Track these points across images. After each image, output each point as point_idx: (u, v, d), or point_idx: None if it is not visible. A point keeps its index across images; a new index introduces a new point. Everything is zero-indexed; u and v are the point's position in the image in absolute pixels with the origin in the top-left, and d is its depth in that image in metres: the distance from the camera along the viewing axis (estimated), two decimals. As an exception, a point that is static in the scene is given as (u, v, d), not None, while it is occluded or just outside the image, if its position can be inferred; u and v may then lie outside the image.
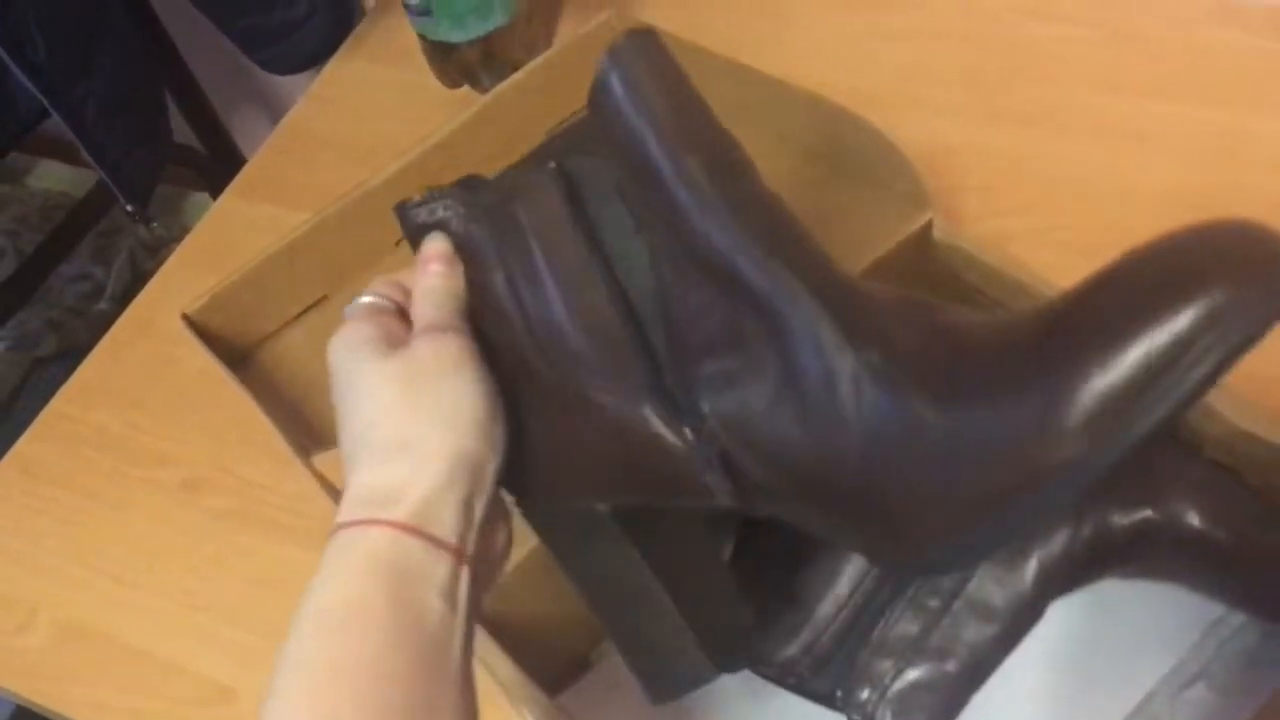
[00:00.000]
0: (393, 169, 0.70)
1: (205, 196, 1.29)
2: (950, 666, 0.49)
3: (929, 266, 0.56)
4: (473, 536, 0.38)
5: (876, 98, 0.71)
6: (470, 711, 0.36)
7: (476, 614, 0.38)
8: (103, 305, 1.46)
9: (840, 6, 0.81)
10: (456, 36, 0.79)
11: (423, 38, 0.82)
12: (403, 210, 0.45)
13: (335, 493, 0.60)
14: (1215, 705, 0.47)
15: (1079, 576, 0.50)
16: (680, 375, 0.39)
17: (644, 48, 0.39)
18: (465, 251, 0.44)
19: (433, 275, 0.43)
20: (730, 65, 0.68)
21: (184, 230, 0.85)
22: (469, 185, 0.45)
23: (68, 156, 0.97)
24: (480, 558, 0.39)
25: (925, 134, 0.71)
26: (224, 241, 0.81)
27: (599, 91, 0.39)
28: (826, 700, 0.51)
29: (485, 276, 0.43)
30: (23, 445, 0.74)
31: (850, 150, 0.57)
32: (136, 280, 1.47)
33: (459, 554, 0.37)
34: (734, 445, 0.38)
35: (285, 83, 1.11)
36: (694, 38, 0.67)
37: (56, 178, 1.72)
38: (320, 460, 0.63)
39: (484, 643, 0.50)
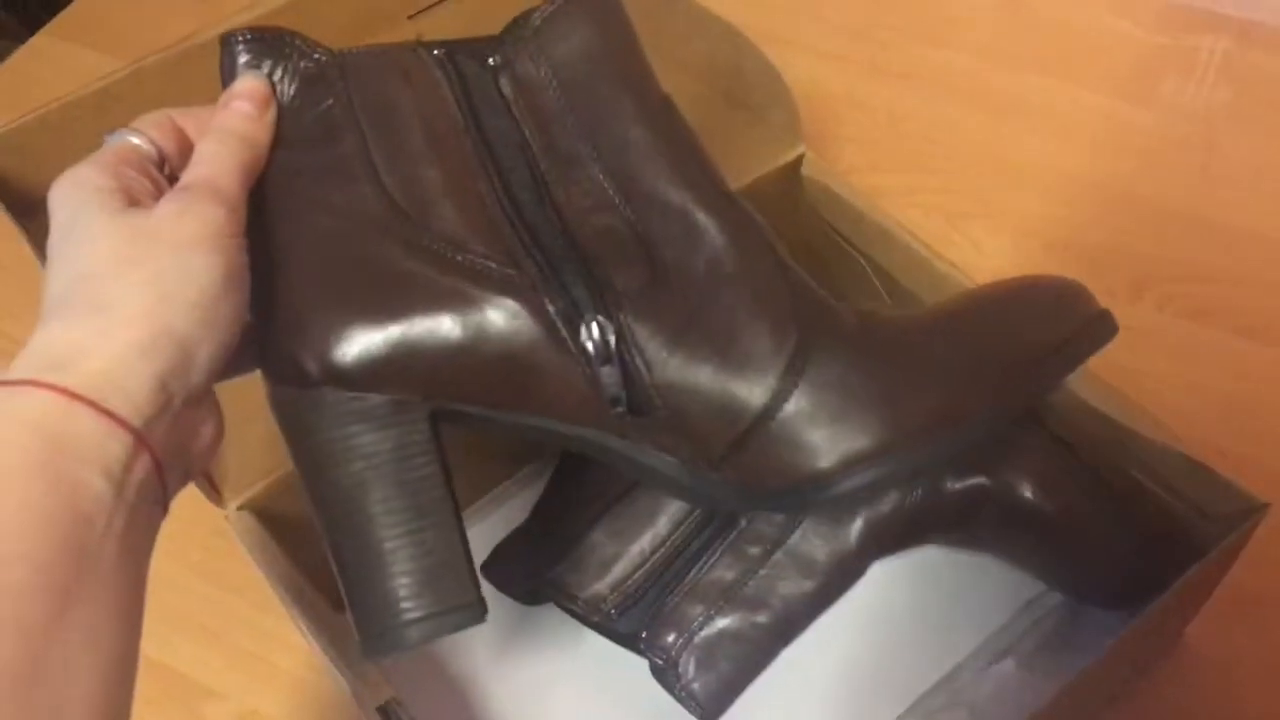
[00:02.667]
0: (234, 21, 0.64)
1: (30, 48, 1.17)
2: (762, 618, 0.47)
3: (796, 203, 0.54)
4: (163, 422, 0.33)
5: (762, 33, 0.68)
6: (125, 613, 0.31)
7: (158, 507, 0.33)
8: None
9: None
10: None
11: (286, -108, 0.75)
12: (230, 42, 0.38)
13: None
14: (1021, 682, 0.46)
15: (904, 539, 0.48)
16: (585, 280, 0.38)
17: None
18: (301, 102, 0.38)
19: (232, 114, 0.37)
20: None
21: (-3, 80, 0.77)
22: (318, 44, 0.39)
23: None
24: (175, 449, 0.34)
25: (806, 77, 0.69)
26: (32, 84, 0.73)
27: (560, 15, 0.40)
28: (630, 641, 0.48)
29: (327, 136, 0.38)
30: None
31: (731, 72, 0.54)
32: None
33: (139, 436, 0.32)
34: (637, 356, 0.38)
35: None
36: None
37: None
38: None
39: (264, 543, 0.45)
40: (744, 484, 0.38)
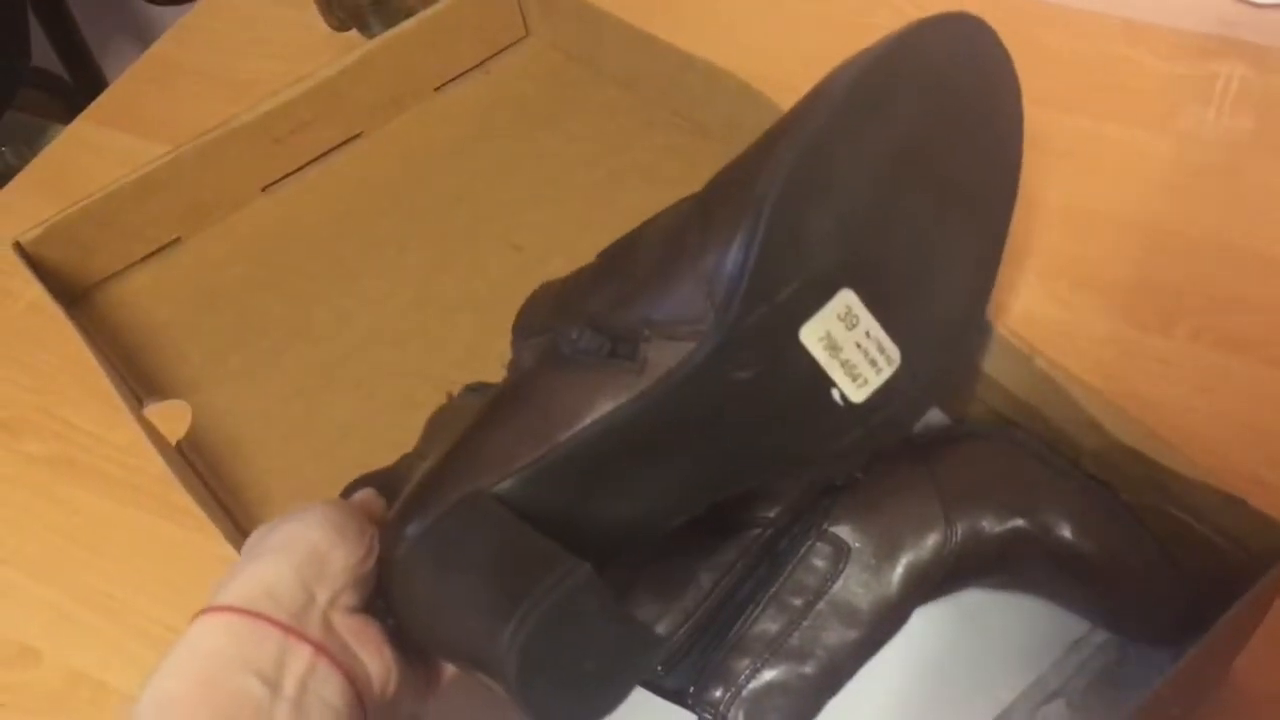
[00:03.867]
0: (263, 107, 0.66)
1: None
2: (808, 669, 0.48)
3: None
4: (312, 618, 0.37)
5: (776, 85, 0.69)
6: None
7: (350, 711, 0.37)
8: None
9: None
10: (346, -25, 0.75)
11: (310, -26, 0.77)
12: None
13: (165, 445, 0.56)
14: (1072, 723, 0.46)
15: (947, 584, 0.48)
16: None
17: None
18: None
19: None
20: (631, 32, 0.65)
21: (41, 163, 0.79)
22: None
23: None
24: (344, 652, 0.38)
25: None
26: (72, 169, 0.75)
27: None
28: (678, 698, 0.48)
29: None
30: None
31: (747, 129, 0.54)
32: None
33: (288, 629, 0.36)
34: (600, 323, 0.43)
35: (164, 13, 1.05)
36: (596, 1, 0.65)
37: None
38: (152, 411, 0.59)
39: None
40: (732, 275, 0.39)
